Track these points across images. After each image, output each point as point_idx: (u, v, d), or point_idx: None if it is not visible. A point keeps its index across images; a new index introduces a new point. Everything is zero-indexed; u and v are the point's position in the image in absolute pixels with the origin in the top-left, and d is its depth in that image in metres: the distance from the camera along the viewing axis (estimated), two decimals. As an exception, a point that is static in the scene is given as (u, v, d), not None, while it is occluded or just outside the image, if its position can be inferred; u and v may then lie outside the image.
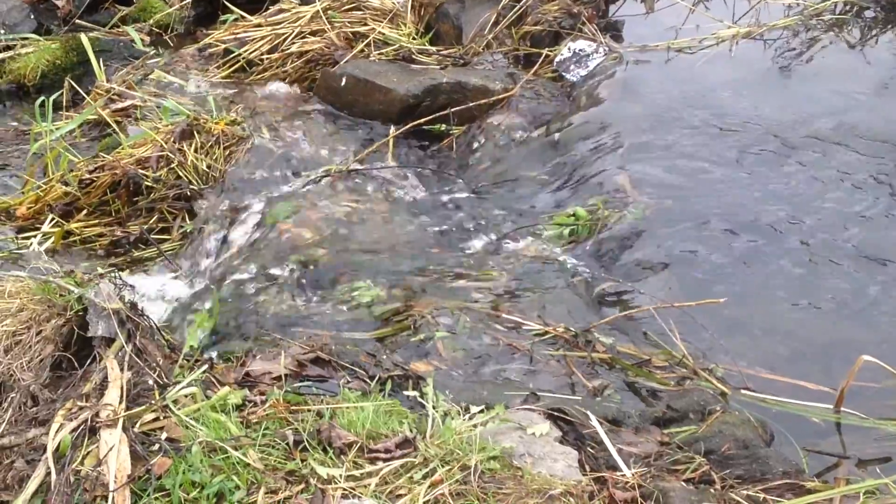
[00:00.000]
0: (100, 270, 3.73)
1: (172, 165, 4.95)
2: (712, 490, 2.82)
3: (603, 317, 3.99)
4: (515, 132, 5.47)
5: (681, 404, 3.32)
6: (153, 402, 2.89)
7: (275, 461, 2.73)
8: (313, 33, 6.29)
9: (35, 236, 4.70)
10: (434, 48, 6.33)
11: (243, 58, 6.27)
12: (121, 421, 2.74)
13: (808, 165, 4.88)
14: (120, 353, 3.02)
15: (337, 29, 6.25)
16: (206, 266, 4.51)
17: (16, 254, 4.33)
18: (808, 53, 6.00)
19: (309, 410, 2.98)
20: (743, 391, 3.54)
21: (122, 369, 2.95)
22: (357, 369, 3.40)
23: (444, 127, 5.65)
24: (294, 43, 6.26)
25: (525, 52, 6.32)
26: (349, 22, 6.33)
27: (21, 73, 6.39)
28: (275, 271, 4.24)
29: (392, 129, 5.54)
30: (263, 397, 3.05)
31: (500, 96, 5.68)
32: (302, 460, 2.74)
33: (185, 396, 2.97)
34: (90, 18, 7.23)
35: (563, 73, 6.07)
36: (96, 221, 4.91)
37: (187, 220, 4.85)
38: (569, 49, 6.15)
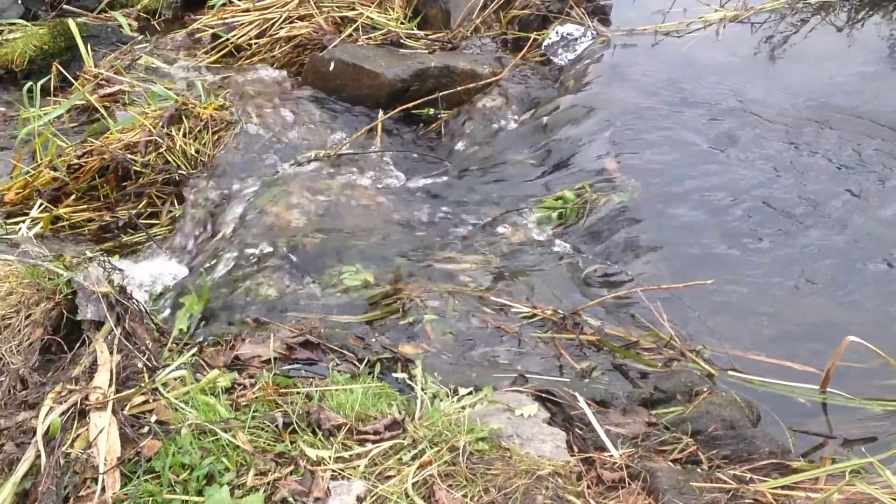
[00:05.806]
0: (88, 254, 3.73)
1: (161, 150, 4.95)
2: (699, 470, 2.84)
3: (591, 299, 4.00)
4: (503, 116, 5.48)
5: (668, 385, 3.34)
6: (143, 384, 2.90)
7: (264, 443, 2.74)
8: (301, 18, 6.27)
9: (24, 221, 4.69)
10: (422, 32, 6.32)
11: (231, 43, 6.26)
12: (110, 404, 2.75)
13: (794, 147, 4.90)
14: (109, 337, 3.03)
15: (325, 13, 6.25)
16: (195, 250, 4.51)
17: (4, 238, 4.33)
18: (795, 37, 6.01)
19: (298, 393, 2.99)
20: (730, 372, 3.55)
21: (111, 352, 2.96)
22: (346, 352, 3.41)
23: (432, 111, 5.64)
24: (282, 27, 6.24)
25: (513, 36, 6.32)
26: (337, 6, 6.32)
27: (9, 59, 6.37)
28: (264, 255, 4.24)
29: (380, 113, 5.52)
30: (253, 380, 3.07)
31: (488, 80, 5.68)
32: (291, 442, 2.75)
33: (175, 379, 2.98)
34: (78, 3, 7.21)
35: (551, 57, 6.07)
36: (85, 206, 4.90)
37: (176, 204, 4.84)
38: (557, 33, 6.15)
